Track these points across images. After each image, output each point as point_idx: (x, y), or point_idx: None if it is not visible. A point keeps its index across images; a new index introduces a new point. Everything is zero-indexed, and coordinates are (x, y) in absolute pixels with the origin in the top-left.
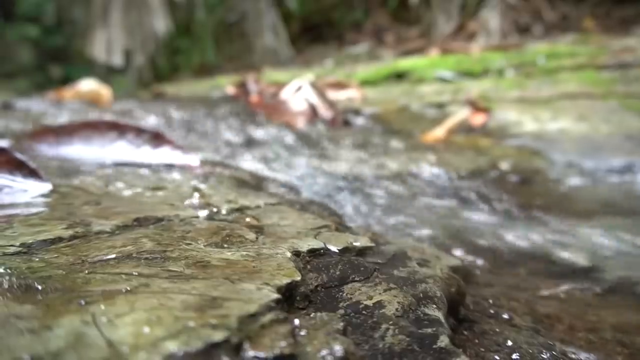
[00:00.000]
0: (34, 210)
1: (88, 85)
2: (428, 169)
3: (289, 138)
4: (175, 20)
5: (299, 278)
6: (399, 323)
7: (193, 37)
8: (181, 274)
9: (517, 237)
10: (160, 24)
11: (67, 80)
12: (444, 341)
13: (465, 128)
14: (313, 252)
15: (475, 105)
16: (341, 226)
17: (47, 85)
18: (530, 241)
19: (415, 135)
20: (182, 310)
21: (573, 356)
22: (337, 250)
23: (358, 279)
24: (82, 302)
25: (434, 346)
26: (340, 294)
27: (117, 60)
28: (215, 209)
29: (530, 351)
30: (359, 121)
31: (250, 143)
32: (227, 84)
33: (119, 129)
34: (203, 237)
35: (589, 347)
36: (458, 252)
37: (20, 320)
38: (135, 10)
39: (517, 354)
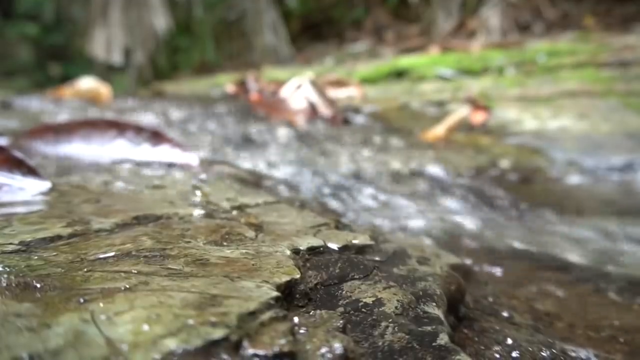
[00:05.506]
0: (32, 208)
1: (87, 83)
2: (428, 167)
3: (289, 136)
4: (175, 18)
5: (298, 276)
6: (398, 321)
7: (193, 35)
8: (180, 272)
9: (517, 236)
10: (160, 22)
11: (66, 78)
12: (443, 339)
13: (465, 126)
14: (312, 250)
15: (476, 104)
16: (340, 224)
17: (46, 84)
18: (530, 239)
19: (415, 133)
20: (181, 308)
21: (573, 354)
22: (336, 248)
23: (357, 276)
24: (81, 300)
25: (434, 344)
26: (340, 291)
27: (117, 58)
28: (214, 207)
29: (530, 349)
30: (359, 119)
31: (249, 141)
32: (227, 82)
33: (118, 127)
34: (202, 235)
35: (589, 344)
36: (458, 250)
37: (19, 319)
38: (135, 8)
39: (517, 351)
